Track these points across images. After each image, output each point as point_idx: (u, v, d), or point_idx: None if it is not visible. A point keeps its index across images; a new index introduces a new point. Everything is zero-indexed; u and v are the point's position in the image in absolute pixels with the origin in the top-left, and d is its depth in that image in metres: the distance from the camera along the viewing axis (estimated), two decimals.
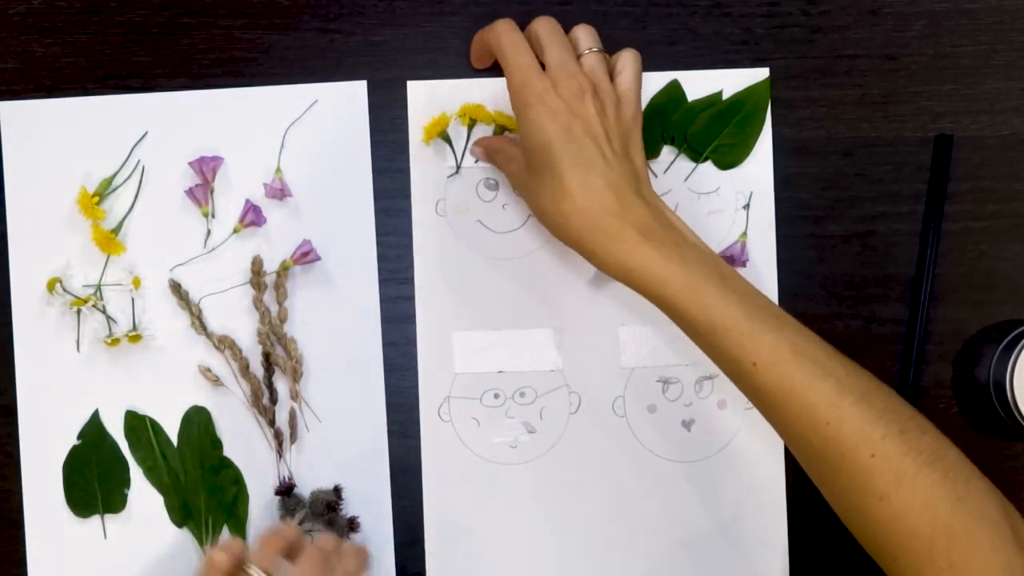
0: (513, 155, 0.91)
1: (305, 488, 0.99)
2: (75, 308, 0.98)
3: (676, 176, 0.99)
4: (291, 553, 0.85)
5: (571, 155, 0.82)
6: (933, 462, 0.75)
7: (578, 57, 0.88)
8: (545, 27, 0.88)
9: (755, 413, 0.97)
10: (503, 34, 0.87)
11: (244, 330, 0.99)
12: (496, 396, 0.99)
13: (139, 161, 0.99)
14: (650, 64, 0.99)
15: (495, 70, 0.98)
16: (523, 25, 0.90)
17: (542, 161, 0.84)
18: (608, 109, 0.86)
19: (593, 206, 0.82)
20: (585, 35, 0.90)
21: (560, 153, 0.82)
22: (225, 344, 0.98)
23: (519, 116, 0.85)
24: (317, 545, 0.87)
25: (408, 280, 0.99)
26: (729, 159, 0.99)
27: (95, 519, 0.99)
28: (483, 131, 0.99)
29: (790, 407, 0.78)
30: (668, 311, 0.83)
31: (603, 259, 0.83)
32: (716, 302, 0.80)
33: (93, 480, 0.99)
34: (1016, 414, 0.94)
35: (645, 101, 0.99)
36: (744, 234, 0.99)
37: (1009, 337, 0.96)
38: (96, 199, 0.98)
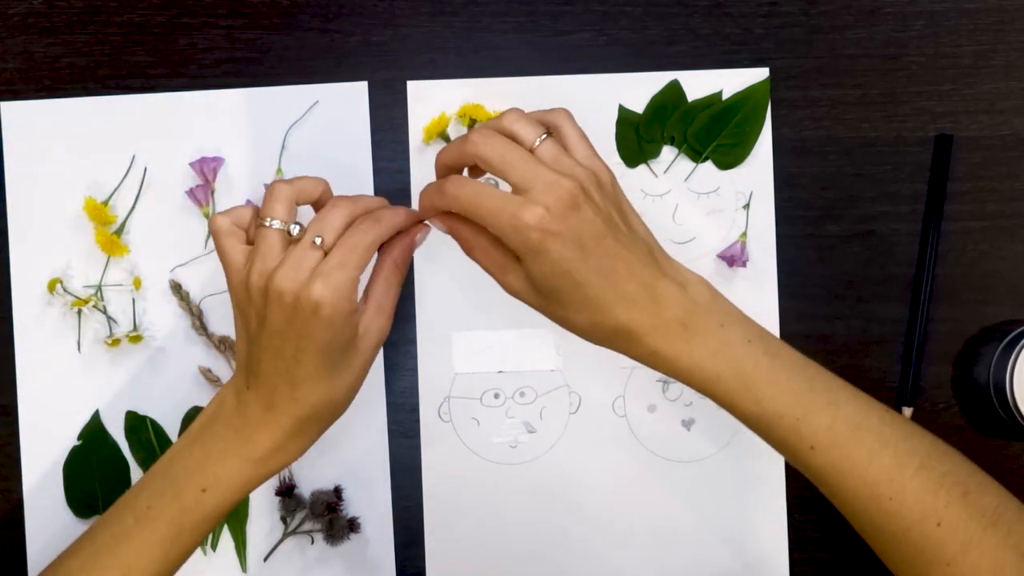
0: (506, 264, 0.79)
1: (305, 488, 0.99)
2: (76, 308, 0.98)
3: (676, 176, 0.99)
4: (314, 202, 0.81)
5: (593, 272, 0.75)
6: (996, 522, 0.73)
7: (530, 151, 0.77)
8: (483, 143, 0.76)
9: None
10: (460, 188, 0.76)
11: None
12: (496, 396, 0.99)
13: (135, 157, 0.99)
14: (650, 64, 1.00)
15: (499, 73, 0.99)
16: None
17: (562, 288, 0.75)
18: (594, 195, 0.76)
19: (631, 316, 0.76)
20: (521, 125, 0.77)
21: (584, 274, 0.74)
22: (226, 345, 0.98)
23: (522, 255, 0.75)
24: (345, 197, 0.79)
25: (409, 280, 0.99)
26: (729, 159, 0.99)
27: (95, 519, 0.99)
28: None
29: (850, 486, 0.75)
30: (718, 403, 0.78)
31: (650, 361, 0.77)
32: (767, 390, 0.76)
33: (93, 480, 0.99)
34: (1016, 414, 0.94)
35: (646, 101, 0.99)
36: (744, 234, 0.99)
37: (1009, 337, 0.96)
38: (106, 206, 0.98)
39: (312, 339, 0.74)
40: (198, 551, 0.98)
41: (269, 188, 0.77)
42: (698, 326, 0.76)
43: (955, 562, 0.73)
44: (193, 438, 0.81)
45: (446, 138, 0.98)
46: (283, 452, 0.79)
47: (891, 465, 0.74)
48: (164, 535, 0.79)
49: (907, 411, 0.99)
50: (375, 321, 0.79)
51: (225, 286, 0.98)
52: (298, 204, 0.78)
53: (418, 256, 0.99)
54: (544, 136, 0.77)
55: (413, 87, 0.99)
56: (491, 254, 0.79)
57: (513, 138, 0.77)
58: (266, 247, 0.75)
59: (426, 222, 0.81)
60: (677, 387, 1.00)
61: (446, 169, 0.80)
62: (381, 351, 0.98)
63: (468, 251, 0.81)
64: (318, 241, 0.74)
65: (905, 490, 0.74)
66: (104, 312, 0.99)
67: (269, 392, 0.77)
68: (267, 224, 0.76)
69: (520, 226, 0.73)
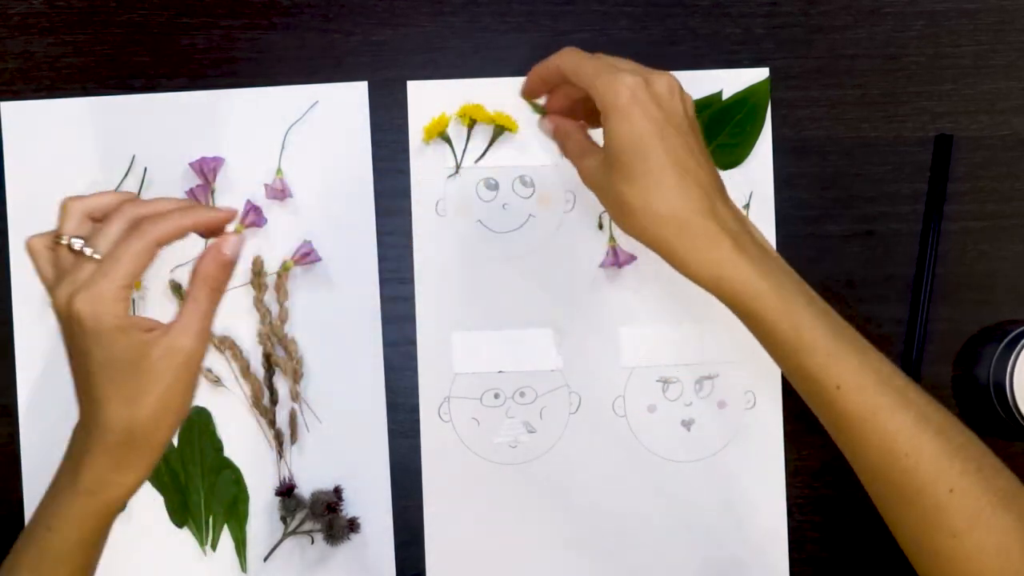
0: (588, 148, 0.82)
1: (305, 489, 0.99)
2: None
3: None
4: (101, 217, 0.77)
5: (667, 153, 0.76)
6: (1008, 504, 0.73)
7: None
8: (576, 56, 0.80)
9: (755, 413, 0.97)
10: (573, 54, 0.80)
11: (245, 331, 0.99)
12: (496, 396, 0.99)
13: (135, 157, 0.99)
14: (650, 64, 0.99)
15: (499, 73, 0.99)
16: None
17: (633, 159, 0.77)
18: (690, 111, 0.80)
19: (688, 208, 0.76)
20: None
21: (656, 150, 0.76)
22: (226, 345, 0.99)
23: (608, 112, 0.77)
24: (131, 206, 0.75)
25: (408, 280, 0.99)
26: (729, 159, 0.99)
27: None
28: (483, 131, 0.99)
29: (870, 435, 0.75)
30: (754, 323, 0.78)
31: (693, 265, 0.78)
32: (806, 320, 0.76)
33: None
34: (1016, 414, 0.94)
35: None
36: None
37: (1009, 337, 0.96)
38: None
39: (89, 356, 0.72)
40: (198, 551, 0.99)
41: (61, 204, 0.75)
42: (746, 246, 0.77)
43: (961, 535, 0.73)
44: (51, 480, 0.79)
45: (446, 138, 0.98)
46: (111, 484, 0.75)
47: (912, 422, 0.74)
48: None
49: None
50: (178, 340, 0.73)
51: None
52: (93, 219, 0.75)
53: (418, 256, 0.99)
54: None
55: (413, 87, 0.99)
56: (575, 138, 0.83)
57: None
58: (60, 266, 0.73)
59: (539, 126, 0.87)
60: (677, 387, 1.00)
61: (539, 81, 0.83)
62: (381, 351, 0.98)
63: (560, 139, 0.84)
64: (90, 252, 0.72)
65: (922, 449, 0.74)
66: None
67: (85, 417, 0.75)
68: (61, 242, 0.73)
69: (617, 84, 0.76)
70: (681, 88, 0.79)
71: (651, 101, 0.76)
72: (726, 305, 0.78)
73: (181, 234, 0.74)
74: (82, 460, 0.74)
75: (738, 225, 0.78)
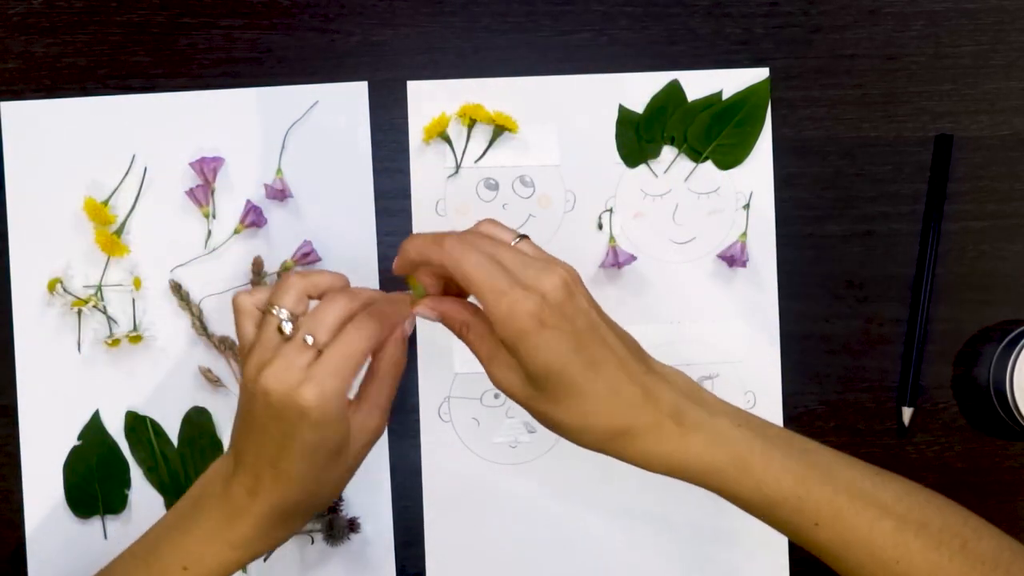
0: (501, 356, 0.76)
1: None
2: (76, 309, 0.98)
3: (676, 176, 0.99)
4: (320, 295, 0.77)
5: (587, 366, 0.73)
6: (995, 567, 0.74)
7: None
8: (469, 243, 0.74)
9: (755, 413, 0.97)
10: (461, 254, 0.72)
11: None
12: (496, 396, 0.99)
13: (135, 157, 0.99)
14: (650, 64, 1.00)
15: (499, 73, 0.99)
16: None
17: (557, 385, 0.73)
18: (582, 288, 0.75)
19: (626, 411, 0.74)
20: (495, 227, 0.78)
21: (577, 369, 0.72)
22: (226, 345, 0.98)
23: (516, 344, 0.71)
24: (345, 291, 0.76)
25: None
26: (729, 159, 0.99)
27: (95, 519, 0.99)
28: (483, 131, 0.99)
29: (856, 555, 0.75)
30: (719, 494, 0.77)
31: (645, 461, 0.75)
32: (766, 475, 0.75)
33: (93, 480, 0.99)
34: (1016, 414, 0.94)
35: (646, 101, 0.99)
36: (744, 234, 0.99)
37: (1009, 337, 0.96)
38: (106, 206, 0.98)
39: (297, 440, 0.72)
40: None
41: (284, 277, 0.76)
42: (690, 420, 0.75)
43: None
44: (181, 515, 0.80)
45: (446, 138, 0.98)
46: (265, 539, 0.77)
47: (893, 530, 0.74)
48: None
49: (907, 411, 0.99)
50: (369, 421, 0.77)
51: (224, 286, 0.99)
52: (310, 297, 0.76)
53: None
54: (519, 238, 0.76)
55: (413, 87, 0.99)
56: (485, 340, 0.76)
57: (488, 235, 0.76)
58: (265, 337, 0.73)
59: (416, 310, 0.77)
60: None
61: (410, 264, 0.76)
62: None
63: (458, 334, 0.78)
64: (310, 340, 0.72)
65: (911, 551, 0.74)
66: (104, 312, 0.99)
67: (254, 480, 0.75)
68: (273, 311, 0.74)
69: (517, 312, 0.71)
70: (572, 282, 0.74)
71: (556, 318, 0.71)
72: (690, 483, 0.77)
73: (392, 331, 0.77)
74: (242, 517, 0.76)
75: (674, 394, 0.76)
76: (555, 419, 0.75)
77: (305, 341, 0.71)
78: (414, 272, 0.77)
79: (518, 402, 0.76)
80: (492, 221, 0.78)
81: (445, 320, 0.78)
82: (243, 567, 0.79)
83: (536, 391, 0.74)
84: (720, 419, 0.76)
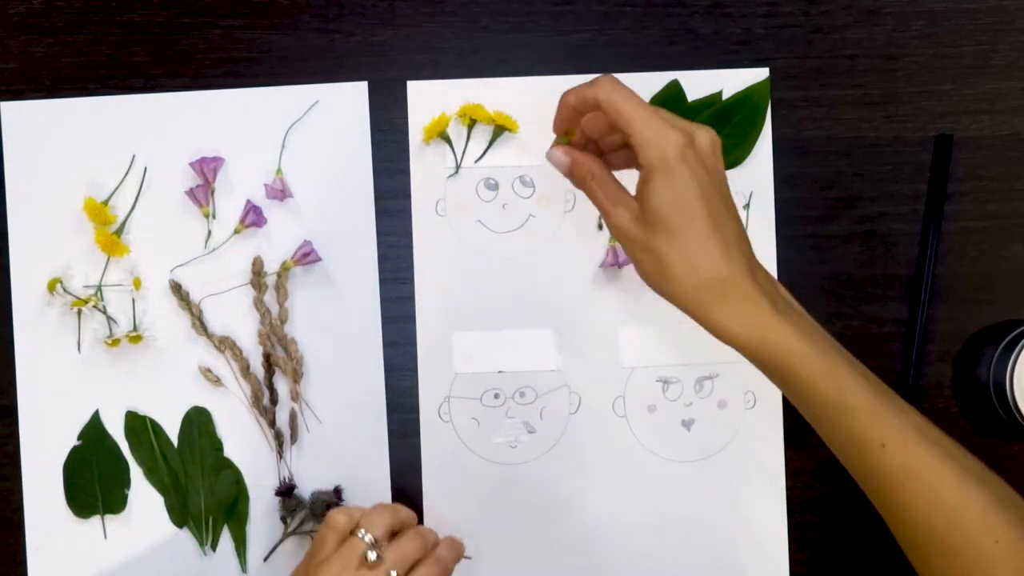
0: (620, 197, 0.78)
1: (305, 489, 0.99)
2: (76, 309, 0.98)
3: None
4: (397, 530, 0.87)
5: (710, 215, 0.75)
6: None
7: None
8: (615, 89, 0.77)
9: (755, 413, 0.97)
10: (614, 89, 0.76)
11: (245, 331, 0.99)
12: (496, 396, 0.99)
13: (135, 157, 0.99)
14: (650, 64, 1.00)
15: (500, 73, 0.99)
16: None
17: (677, 221, 0.75)
18: (723, 164, 0.78)
19: (730, 272, 0.75)
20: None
21: (700, 213, 0.74)
22: (226, 345, 0.99)
23: (653, 169, 0.74)
24: (420, 530, 0.88)
25: (408, 280, 0.99)
26: (729, 159, 0.99)
27: (95, 519, 0.99)
28: (483, 131, 0.99)
29: (915, 490, 0.75)
30: (794, 385, 0.77)
31: (735, 329, 0.76)
32: (848, 381, 0.76)
33: (93, 480, 0.99)
34: (1016, 414, 0.94)
35: (646, 101, 0.99)
36: None
37: (1009, 337, 0.96)
38: (106, 206, 0.98)
39: None
40: (198, 551, 0.99)
41: (379, 505, 0.87)
42: (783, 307, 0.77)
43: None
44: None
45: (446, 138, 0.98)
46: None
47: (954, 474, 0.74)
48: None
49: None
50: None
51: (224, 286, 0.99)
52: (392, 531, 0.85)
53: (418, 256, 0.99)
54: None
55: (413, 87, 0.99)
56: (607, 185, 0.79)
57: None
58: (346, 556, 0.83)
59: (549, 154, 0.81)
60: (677, 387, 1.00)
61: (570, 111, 0.80)
62: (381, 351, 0.99)
63: (583, 180, 0.80)
64: (391, 571, 0.82)
65: (970, 502, 0.74)
66: (104, 312, 0.99)
67: None
68: (359, 535, 0.83)
69: (664, 140, 0.74)
70: (718, 142, 0.77)
71: (697, 160, 0.75)
72: (763, 369, 0.78)
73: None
74: None
75: (772, 287, 0.78)
76: (662, 257, 0.76)
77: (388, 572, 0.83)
78: (570, 124, 0.81)
79: (626, 241, 0.78)
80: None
81: (575, 167, 0.80)
82: None
83: (647, 230, 0.76)
84: (810, 324, 0.78)
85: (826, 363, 0.76)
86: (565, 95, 0.79)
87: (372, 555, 0.82)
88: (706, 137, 0.76)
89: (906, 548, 0.78)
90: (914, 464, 0.75)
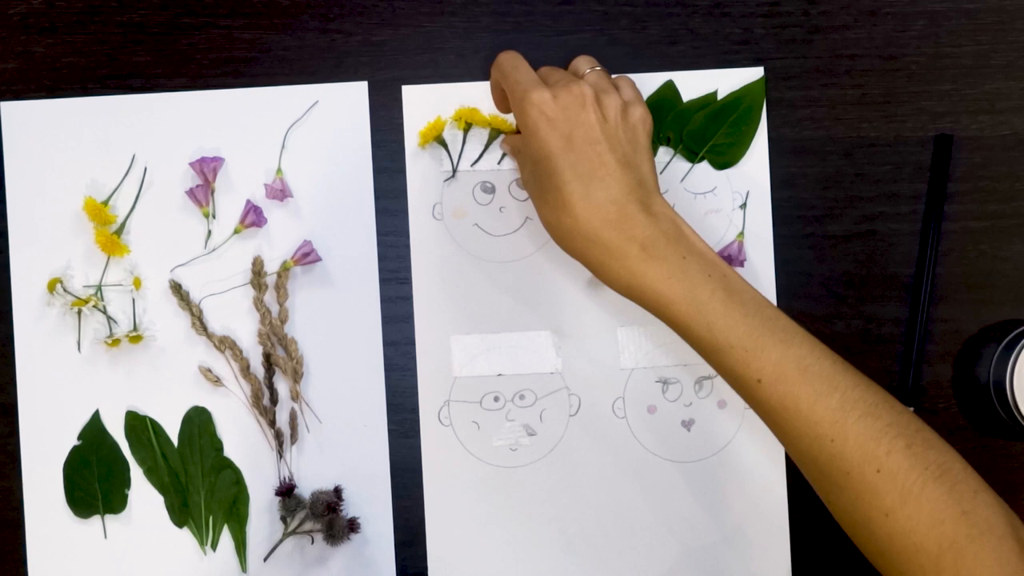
0: (525, 161, 0.89)
1: (305, 489, 0.99)
2: (76, 308, 0.98)
3: (673, 176, 0.99)
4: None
5: (571, 166, 0.82)
6: (939, 476, 0.74)
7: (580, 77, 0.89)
8: (515, 55, 0.90)
9: (755, 413, 0.97)
10: (504, 59, 0.89)
11: (245, 331, 0.99)
12: (496, 399, 0.99)
13: (135, 157, 0.99)
14: (650, 64, 1.00)
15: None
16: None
17: (544, 172, 0.83)
18: (611, 115, 0.85)
19: (594, 220, 0.81)
20: (584, 60, 0.91)
21: (561, 164, 0.82)
22: (226, 344, 0.99)
23: (522, 129, 0.85)
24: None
25: (409, 280, 0.99)
26: (725, 159, 0.99)
27: (95, 519, 0.99)
28: (479, 134, 0.99)
29: (794, 424, 0.77)
30: (673, 327, 0.82)
31: (605, 275, 0.83)
32: (720, 320, 0.79)
33: (93, 480, 0.99)
34: (1016, 414, 0.94)
35: None
36: (741, 233, 0.99)
37: (1009, 337, 0.96)
38: (106, 206, 0.98)
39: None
40: (198, 551, 0.99)
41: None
42: (658, 252, 0.80)
43: (893, 512, 0.75)
44: None
45: (442, 142, 0.98)
46: None
47: (836, 407, 0.76)
48: None
49: None
50: None
51: (224, 286, 0.99)
52: None
53: (416, 260, 0.99)
54: (597, 68, 0.90)
55: (408, 91, 0.99)
56: (522, 152, 0.89)
57: (572, 67, 0.91)
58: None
59: (500, 147, 0.97)
60: (677, 387, 1.00)
61: (498, 88, 0.93)
62: (381, 351, 0.99)
63: (513, 149, 0.95)
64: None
65: (847, 433, 0.76)
66: (104, 312, 0.99)
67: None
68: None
69: (526, 95, 0.83)
70: (604, 98, 0.84)
71: (558, 112, 0.82)
72: (647, 310, 0.82)
73: None
74: None
75: (654, 229, 0.81)
76: (543, 215, 0.86)
77: None
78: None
79: (531, 197, 0.89)
80: (583, 56, 0.93)
81: (511, 144, 0.95)
82: None
83: (533, 186, 0.86)
84: (693, 263, 0.81)
85: (694, 304, 0.79)
86: (491, 79, 0.93)
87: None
88: (574, 93, 0.83)
89: (805, 476, 0.81)
90: (790, 399, 0.77)
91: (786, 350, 0.78)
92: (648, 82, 0.99)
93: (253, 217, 0.98)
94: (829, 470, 0.77)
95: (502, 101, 0.94)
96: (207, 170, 0.98)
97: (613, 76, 0.92)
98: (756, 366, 0.78)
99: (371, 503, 0.99)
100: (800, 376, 0.77)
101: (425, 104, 0.99)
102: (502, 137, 0.97)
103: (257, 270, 0.98)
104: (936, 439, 0.77)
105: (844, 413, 0.76)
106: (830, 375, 0.78)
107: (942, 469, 0.75)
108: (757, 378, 0.78)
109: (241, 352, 0.99)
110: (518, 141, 0.92)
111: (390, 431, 0.99)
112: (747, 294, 0.81)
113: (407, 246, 0.99)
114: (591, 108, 0.83)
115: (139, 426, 0.99)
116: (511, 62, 0.88)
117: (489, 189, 1.00)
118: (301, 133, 1.00)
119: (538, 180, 0.84)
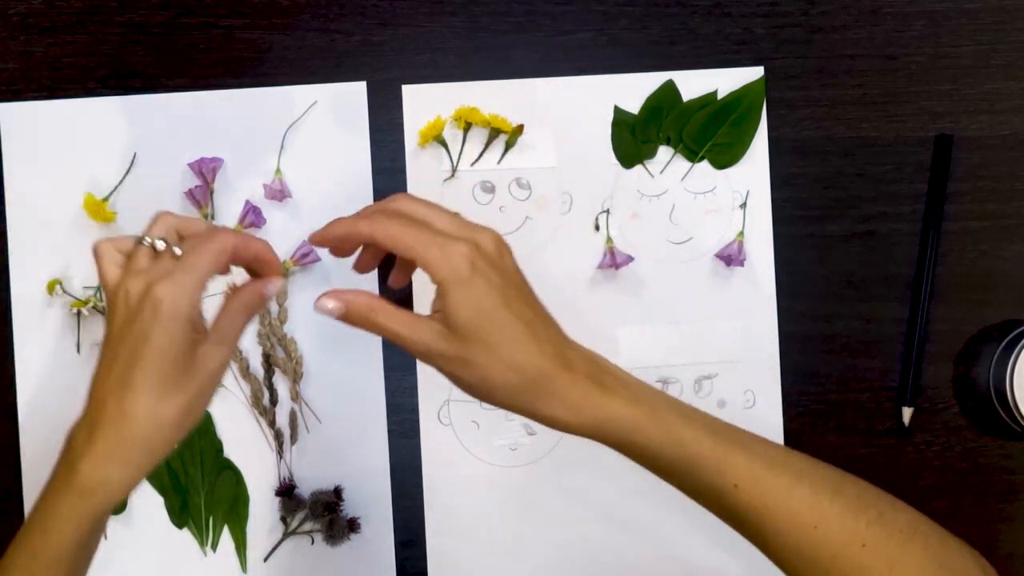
0: (413, 321, 0.76)
1: (305, 489, 0.99)
2: (75, 309, 0.98)
3: (672, 176, 0.99)
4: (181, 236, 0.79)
5: (516, 317, 0.75)
6: (912, 536, 0.75)
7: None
8: (409, 202, 0.78)
9: (755, 413, 0.97)
10: (388, 220, 0.76)
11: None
12: None
13: (134, 158, 0.99)
14: (650, 64, 1.00)
15: (501, 73, 0.99)
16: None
17: (485, 331, 0.75)
18: (514, 261, 0.79)
19: (548, 365, 0.75)
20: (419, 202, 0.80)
21: (505, 318, 0.75)
22: None
23: (448, 287, 0.74)
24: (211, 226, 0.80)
25: (408, 280, 0.99)
26: (725, 158, 0.99)
27: None
28: (478, 134, 0.99)
29: (775, 521, 0.76)
30: (639, 454, 0.78)
31: (569, 419, 0.76)
32: (687, 434, 0.76)
33: None
34: (1016, 414, 0.94)
35: (641, 102, 1.00)
36: (741, 233, 0.99)
37: (1009, 337, 0.96)
38: (105, 204, 0.98)
39: (148, 340, 0.72)
40: (198, 551, 0.99)
41: (155, 215, 0.77)
42: (607, 382, 0.77)
43: None
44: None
45: (442, 142, 0.98)
46: (109, 482, 0.75)
47: (809, 495, 0.76)
48: None
49: (907, 411, 0.99)
50: (215, 348, 0.75)
51: (223, 287, 0.99)
52: (180, 235, 0.77)
53: None
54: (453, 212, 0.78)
55: (408, 91, 0.99)
56: (397, 315, 0.76)
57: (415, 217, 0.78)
58: (134, 262, 0.75)
59: (318, 304, 0.77)
60: (677, 387, 1.00)
61: (334, 238, 0.78)
62: (381, 351, 0.98)
63: (364, 318, 0.77)
64: (177, 251, 0.74)
65: (827, 516, 0.75)
66: (103, 313, 0.99)
67: (96, 410, 0.76)
68: (144, 243, 0.75)
69: (453, 257, 0.73)
70: (503, 241, 0.77)
71: (488, 265, 0.75)
72: (606, 444, 0.78)
73: (251, 253, 0.77)
74: (82, 457, 0.74)
75: (591, 364, 0.78)
76: (479, 369, 0.75)
77: (173, 252, 0.74)
78: (330, 244, 0.79)
79: (441, 362, 0.76)
80: (408, 196, 0.79)
81: (351, 308, 0.77)
82: (105, 516, 0.78)
83: (458, 344, 0.75)
84: (635, 385, 0.78)
85: (660, 425, 0.76)
86: (334, 225, 0.78)
87: (160, 244, 0.75)
88: (489, 239, 0.76)
89: (786, 572, 0.79)
90: (768, 496, 0.76)
91: (749, 452, 0.77)
92: (646, 82, 0.99)
93: (252, 218, 0.98)
94: (816, 558, 0.76)
95: (337, 251, 0.81)
96: (206, 171, 0.98)
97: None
98: (730, 472, 0.76)
99: (371, 503, 0.99)
100: (770, 472, 0.76)
101: (425, 104, 0.99)
102: (321, 300, 0.78)
103: None
104: (898, 501, 0.78)
105: (818, 498, 0.76)
106: (790, 464, 0.77)
107: (912, 527, 0.75)
108: (734, 483, 0.76)
109: (241, 352, 0.99)
110: (414, 318, 0.78)
111: (390, 431, 0.99)
112: (686, 406, 0.79)
113: None
114: (506, 254, 0.78)
115: None
116: (399, 221, 0.76)
117: (489, 189, 0.99)
118: (300, 133, 1.00)
119: (474, 337, 0.75)
